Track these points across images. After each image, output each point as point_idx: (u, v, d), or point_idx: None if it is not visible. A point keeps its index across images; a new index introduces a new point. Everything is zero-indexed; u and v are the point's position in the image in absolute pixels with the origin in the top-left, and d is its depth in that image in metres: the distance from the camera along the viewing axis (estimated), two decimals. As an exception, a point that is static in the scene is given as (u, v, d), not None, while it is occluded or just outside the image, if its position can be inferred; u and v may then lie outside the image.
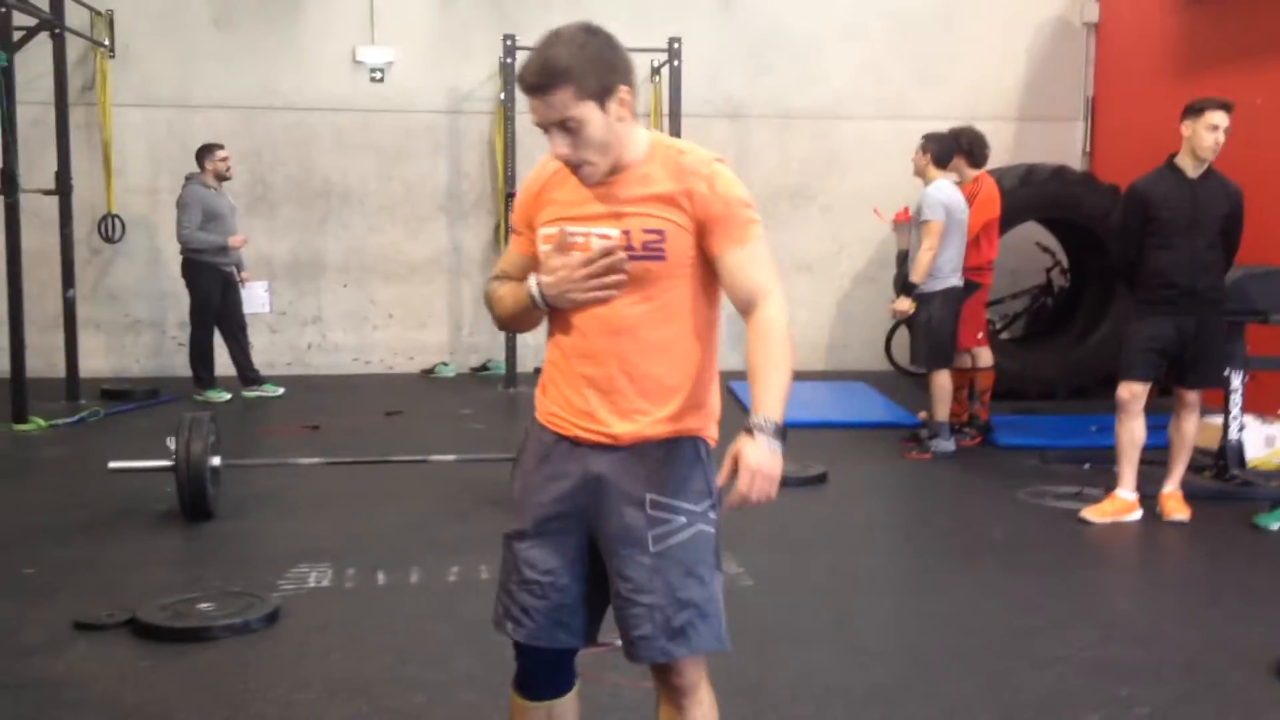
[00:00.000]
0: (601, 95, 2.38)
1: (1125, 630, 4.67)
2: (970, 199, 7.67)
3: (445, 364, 10.83)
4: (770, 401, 2.38)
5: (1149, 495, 6.17)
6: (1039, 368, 9.53)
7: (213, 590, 4.80)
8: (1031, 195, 9.27)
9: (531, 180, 2.64)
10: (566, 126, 2.39)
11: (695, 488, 2.53)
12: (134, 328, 10.58)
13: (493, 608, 2.66)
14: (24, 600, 4.84)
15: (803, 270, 11.05)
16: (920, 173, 7.61)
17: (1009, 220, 8.36)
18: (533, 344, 10.58)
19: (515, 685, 2.71)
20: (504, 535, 2.64)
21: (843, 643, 4.43)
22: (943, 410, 7.59)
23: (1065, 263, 10.64)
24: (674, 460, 2.53)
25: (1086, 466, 7.11)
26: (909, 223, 7.84)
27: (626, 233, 2.46)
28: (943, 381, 7.54)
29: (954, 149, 7.64)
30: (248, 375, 9.51)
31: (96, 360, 10.02)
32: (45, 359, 9.45)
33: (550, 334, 2.61)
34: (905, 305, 7.51)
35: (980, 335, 7.96)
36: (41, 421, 8.22)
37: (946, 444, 7.62)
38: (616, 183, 2.48)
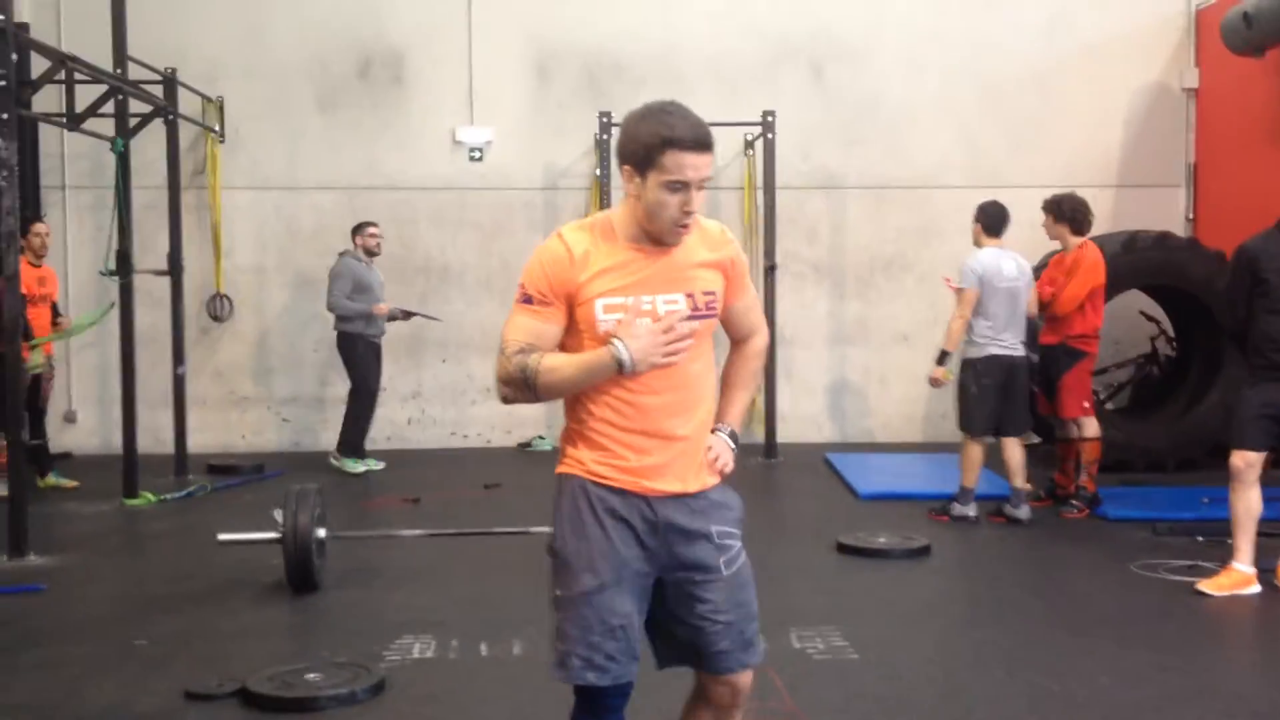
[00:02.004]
0: None
1: (1246, 707, 4.50)
2: (1073, 267, 7.61)
3: (541, 437, 10.89)
4: (735, 414, 3.06)
5: (1266, 569, 5.98)
6: (1146, 438, 9.32)
7: (319, 661, 4.85)
8: (1135, 262, 9.13)
9: (561, 254, 2.80)
10: (702, 186, 2.73)
11: (738, 516, 2.97)
12: (240, 404, 10.81)
13: (559, 663, 2.86)
14: (137, 670, 4.92)
15: (899, 341, 10.99)
16: (975, 242, 7.67)
17: (1112, 289, 8.24)
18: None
19: None
20: (577, 593, 2.82)
21: (952, 718, 4.33)
22: (970, 477, 7.60)
23: (1170, 331, 10.43)
24: (723, 495, 2.96)
25: (1200, 539, 6.91)
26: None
27: (690, 295, 2.83)
28: (971, 450, 7.58)
29: (1003, 216, 7.65)
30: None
31: (203, 436, 10.24)
32: (154, 435, 9.68)
33: (597, 395, 2.81)
34: (938, 374, 7.59)
35: (1086, 405, 7.82)
36: (151, 496, 8.40)
37: (966, 509, 7.59)
38: (672, 251, 2.82)
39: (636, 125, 2.72)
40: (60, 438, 10.05)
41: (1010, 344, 7.49)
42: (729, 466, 2.96)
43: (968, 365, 7.55)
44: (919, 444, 10.71)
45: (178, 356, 9.61)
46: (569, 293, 2.78)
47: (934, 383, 7.67)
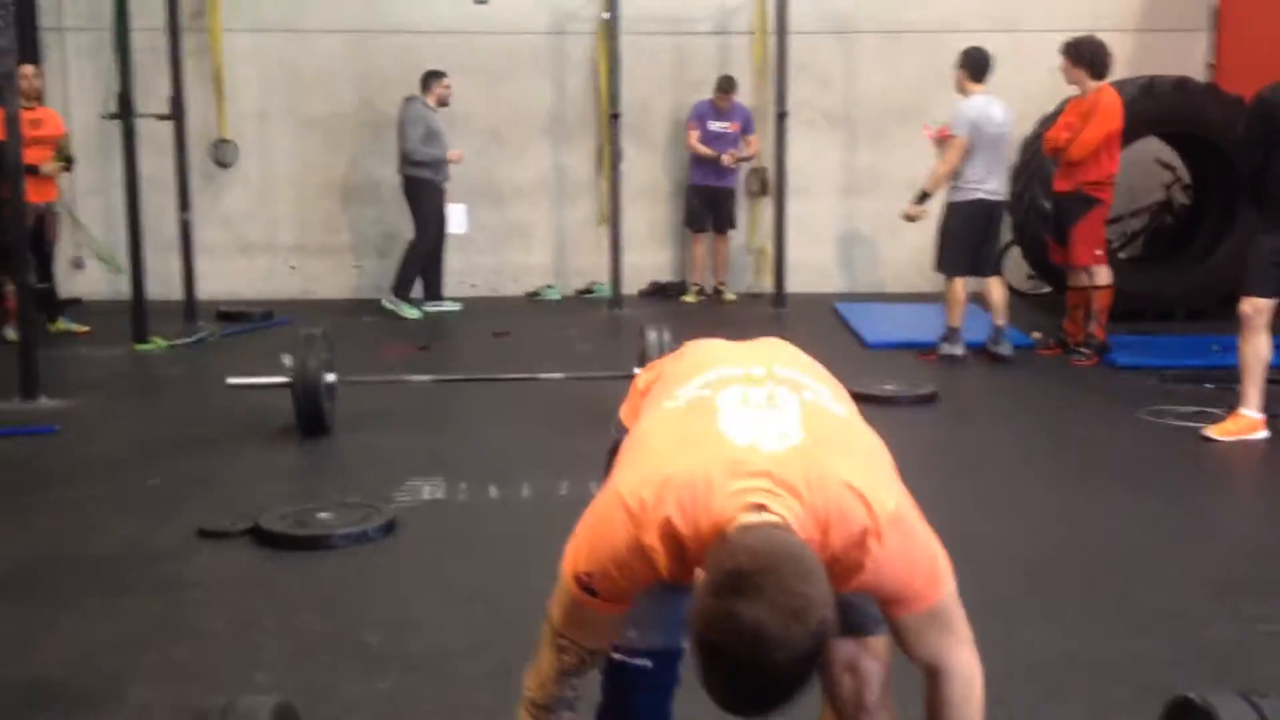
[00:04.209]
0: None
1: (1250, 549, 4.55)
2: (1090, 111, 7.49)
3: (550, 286, 10.85)
4: None
5: (1275, 415, 5.98)
6: (1158, 287, 9.25)
7: (331, 502, 4.90)
8: (1152, 108, 8.94)
9: (638, 564, 1.94)
10: None
11: None
12: (247, 251, 10.76)
13: None
14: (151, 510, 4.98)
15: (913, 191, 10.80)
16: (958, 89, 7.69)
17: (1128, 135, 8.08)
18: (637, 267, 10.56)
19: None
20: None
21: (960, 559, 4.34)
22: (955, 316, 7.77)
23: (1187, 178, 10.29)
24: None
25: (1208, 386, 6.91)
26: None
27: None
28: (953, 289, 7.74)
29: (987, 62, 7.68)
30: (436, 292, 10.06)
31: (211, 283, 10.20)
32: (162, 282, 9.63)
33: None
34: (914, 210, 7.79)
35: (1099, 252, 7.76)
36: (161, 341, 8.41)
37: (953, 348, 7.77)
38: None
39: (705, 630, 1.74)
40: (69, 284, 10.03)
41: (993, 189, 7.67)
42: None
43: (953, 209, 7.65)
44: (930, 294, 10.64)
45: (183, 202, 9.54)
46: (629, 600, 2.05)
47: (908, 218, 7.87)
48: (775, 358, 2.24)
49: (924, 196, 7.69)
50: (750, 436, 1.95)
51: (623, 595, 1.99)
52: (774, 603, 1.68)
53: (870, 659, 2.19)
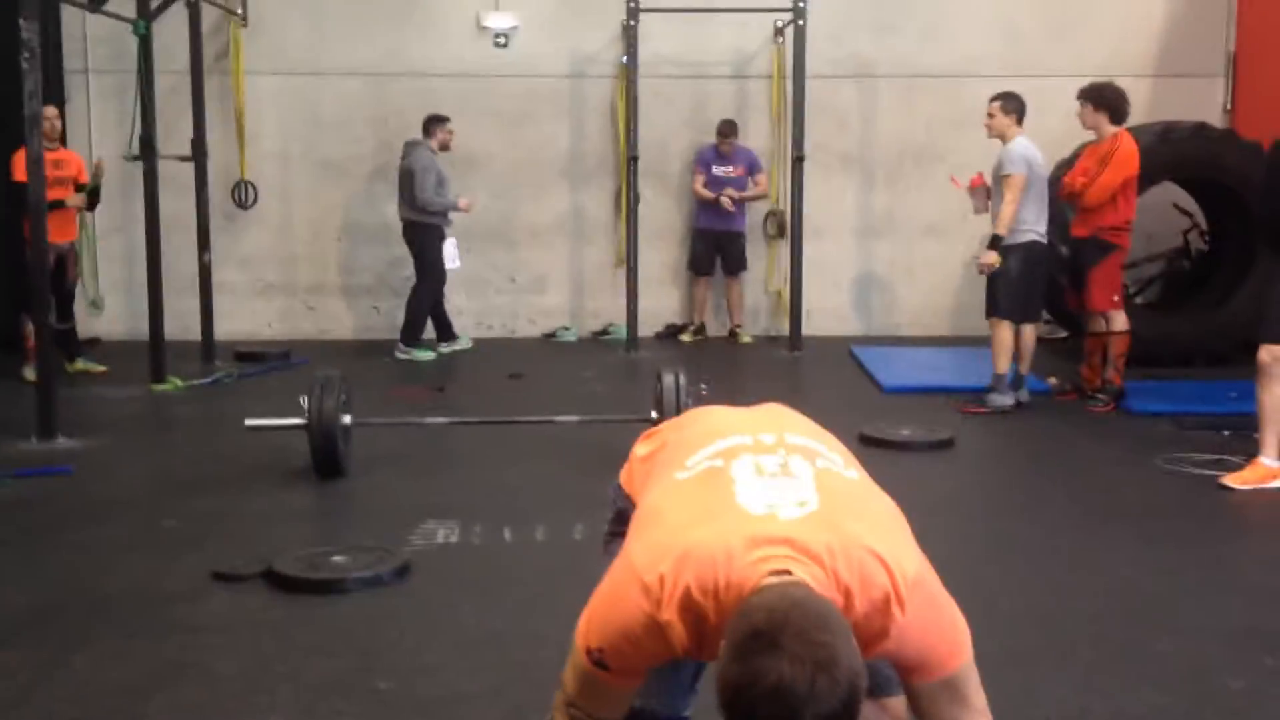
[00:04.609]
0: None
1: (1270, 599, 4.51)
2: (1107, 156, 7.49)
3: (567, 328, 10.87)
4: None
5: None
6: (1175, 333, 9.22)
7: (345, 545, 4.89)
8: (1170, 154, 8.94)
9: (651, 642, 1.93)
10: None
11: None
12: (266, 292, 10.82)
13: None
14: (165, 552, 4.99)
15: (929, 234, 10.86)
16: (1000, 133, 7.61)
17: (1145, 180, 8.09)
18: (654, 309, 10.58)
19: None
20: None
21: (975, 608, 4.32)
22: (1003, 363, 7.63)
23: (1204, 225, 10.28)
24: None
25: (1226, 434, 6.87)
26: (983, 187, 7.73)
27: None
28: (1004, 335, 7.59)
29: (1025, 107, 7.63)
30: (449, 333, 10.07)
31: (229, 324, 10.25)
32: (180, 322, 9.69)
33: None
34: (993, 259, 7.52)
35: (1116, 298, 7.75)
36: (179, 382, 8.44)
37: (1004, 399, 7.60)
38: None
39: (725, 666, 1.73)
40: (88, 324, 10.09)
41: (1042, 232, 7.60)
42: None
43: (1011, 252, 7.51)
44: (945, 337, 10.65)
45: (203, 243, 9.61)
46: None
47: (986, 268, 7.59)
48: (784, 425, 2.22)
49: (995, 240, 7.50)
50: (767, 506, 1.94)
51: (636, 669, 1.98)
52: (796, 656, 1.64)
53: None
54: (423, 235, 9.73)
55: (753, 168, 10.44)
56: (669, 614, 1.87)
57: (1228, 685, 3.70)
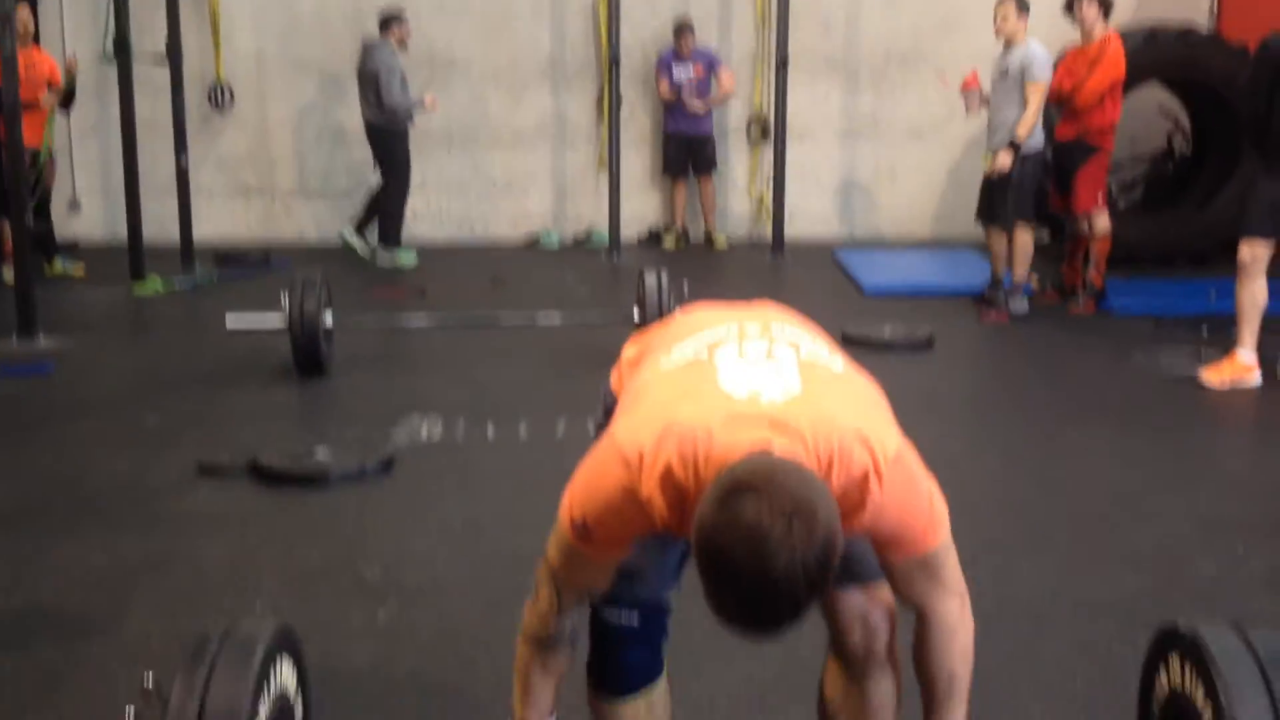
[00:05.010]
0: None
1: (1241, 489, 4.59)
2: (1096, 58, 7.44)
3: (549, 232, 10.82)
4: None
5: (1270, 359, 5.99)
6: (1158, 235, 9.22)
7: (329, 439, 4.91)
8: (1155, 56, 8.87)
9: (633, 513, 1.93)
10: None
11: None
12: (244, 195, 10.72)
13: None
14: (149, 447, 5.00)
15: (913, 137, 10.79)
16: (1010, 35, 7.50)
17: (1130, 83, 8.03)
18: (636, 213, 10.53)
19: (601, 687, 2.29)
20: None
21: (953, 501, 4.38)
22: (1022, 270, 7.60)
23: (1188, 128, 10.25)
24: None
25: (1204, 331, 6.92)
26: (977, 88, 7.66)
27: None
28: (1026, 240, 7.56)
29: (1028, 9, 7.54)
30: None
31: (209, 227, 10.16)
32: (160, 225, 9.58)
33: None
34: (1008, 161, 7.40)
35: (1100, 200, 7.74)
36: (159, 284, 8.40)
37: (1021, 304, 7.59)
38: None
39: (709, 540, 1.72)
40: (66, 226, 10.00)
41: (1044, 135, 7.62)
42: None
43: (1026, 158, 7.43)
44: (927, 240, 10.64)
45: (179, 145, 9.49)
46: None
47: (1000, 171, 7.44)
48: (770, 317, 2.23)
49: (1015, 145, 7.37)
50: (750, 389, 1.94)
51: (618, 541, 1.99)
52: (775, 503, 1.66)
53: (880, 611, 2.18)
54: (389, 139, 9.54)
55: (711, 66, 10.31)
56: (649, 487, 1.87)
57: (1199, 570, 3.77)
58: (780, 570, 1.64)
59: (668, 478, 1.87)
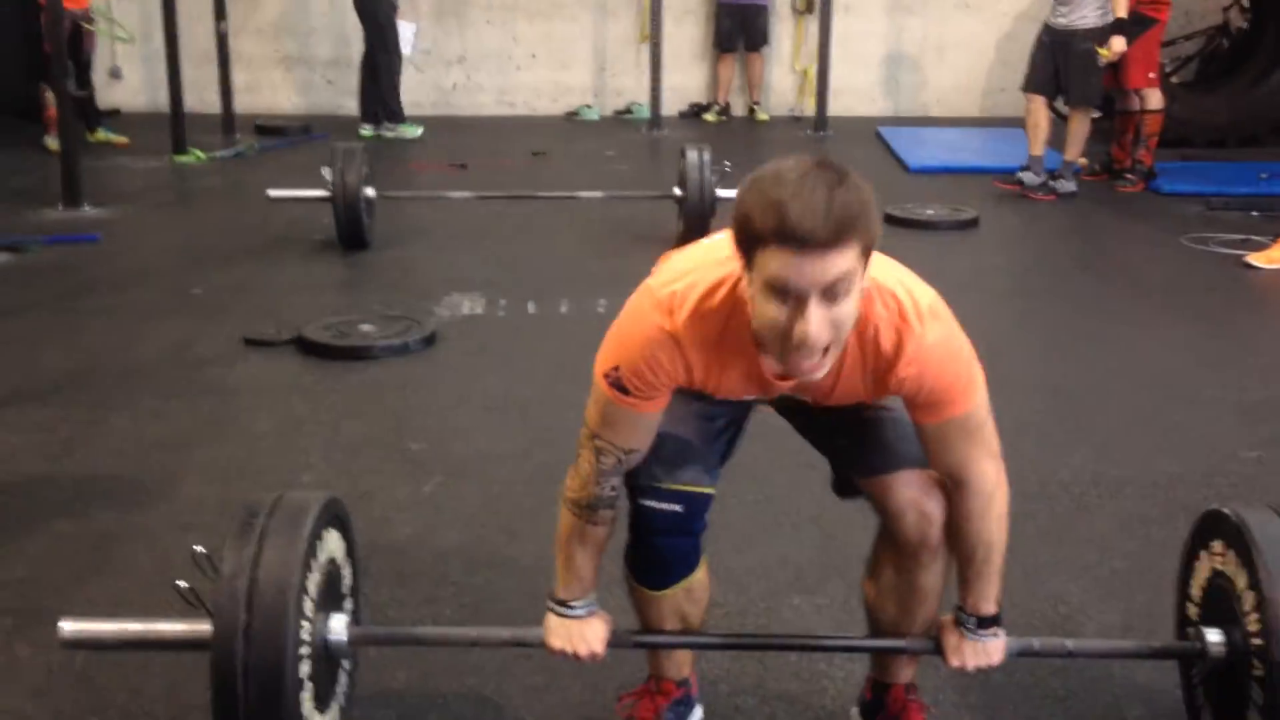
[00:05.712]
0: (867, 254, 1.81)
1: (1284, 373, 4.55)
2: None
3: (589, 106, 10.71)
4: (977, 594, 2.19)
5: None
6: (1210, 114, 9.03)
7: (372, 314, 4.95)
8: (1215, -74, 8.61)
9: (665, 357, 1.96)
10: (835, 291, 1.76)
11: None
12: (284, 64, 10.65)
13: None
14: (196, 318, 5.06)
15: (962, 9, 10.55)
16: None
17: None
18: (678, 87, 10.40)
19: (641, 577, 2.29)
20: None
21: (994, 382, 4.38)
22: (1075, 151, 7.43)
23: (1245, 1, 9.96)
24: None
25: (1254, 214, 6.82)
26: None
27: None
28: (1086, 123, 7.37)
29: None
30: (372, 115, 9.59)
31: (248, 97, 10.12)
32: (199, 94, 9.56)
33: None
34: (1123, 45, 7.08)
35: (1152, 75, 7.56)
36: (200, 154, 8.41)
37: (1069, 184, 7.42)
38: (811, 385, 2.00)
39: (745, 191, 1.79)
40: (107, 94, 9.98)
41: None
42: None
43: (1095, 36, 7.09)
44: (975, 118, 10.46)
45: (219, 12, 9.41)
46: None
47: (1110, 55, 7.13)
48: None
49: (1121, 25, 7.03)
50: None
51: (653, 392, 2.00)
52: (822, 166, 1.77)
53: (933, 498, 2.16)
54: (377, 3, 9.22)
55: None
56: (680, 324, 1.92)
57: (1239, 454, 3.77)
58: (827, 184, 1.73)
59: (698, 312, 1.93)
